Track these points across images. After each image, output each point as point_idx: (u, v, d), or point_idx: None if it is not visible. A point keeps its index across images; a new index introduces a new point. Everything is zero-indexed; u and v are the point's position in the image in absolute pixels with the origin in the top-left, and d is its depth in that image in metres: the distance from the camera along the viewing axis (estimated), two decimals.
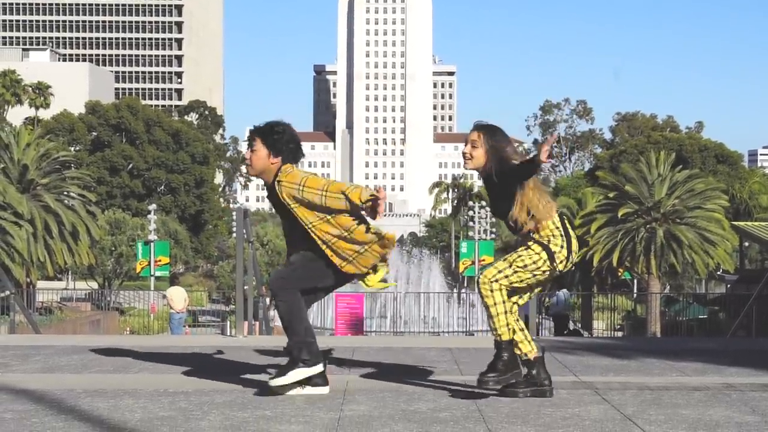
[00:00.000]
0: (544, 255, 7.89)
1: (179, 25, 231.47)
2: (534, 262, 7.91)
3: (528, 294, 8.19)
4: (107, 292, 72.89)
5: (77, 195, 58.20)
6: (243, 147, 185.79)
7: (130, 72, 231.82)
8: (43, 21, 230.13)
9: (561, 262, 7.92)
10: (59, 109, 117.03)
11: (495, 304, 7.90)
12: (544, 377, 8.08)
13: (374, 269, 8.37)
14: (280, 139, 8.21)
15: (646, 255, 55.38)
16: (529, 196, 7.83)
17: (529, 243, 7.96)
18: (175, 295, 34.84)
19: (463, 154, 8.10)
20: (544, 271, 7.94)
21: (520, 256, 7.93)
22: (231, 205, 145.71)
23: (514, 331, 7.99)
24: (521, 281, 7.95)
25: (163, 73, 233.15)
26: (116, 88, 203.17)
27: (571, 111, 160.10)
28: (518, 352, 8.06)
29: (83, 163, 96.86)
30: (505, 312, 7.94)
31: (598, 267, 56.57)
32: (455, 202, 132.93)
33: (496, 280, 7.91)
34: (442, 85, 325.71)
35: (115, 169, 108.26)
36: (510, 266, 7.93)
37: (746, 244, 65.88)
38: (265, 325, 24.70)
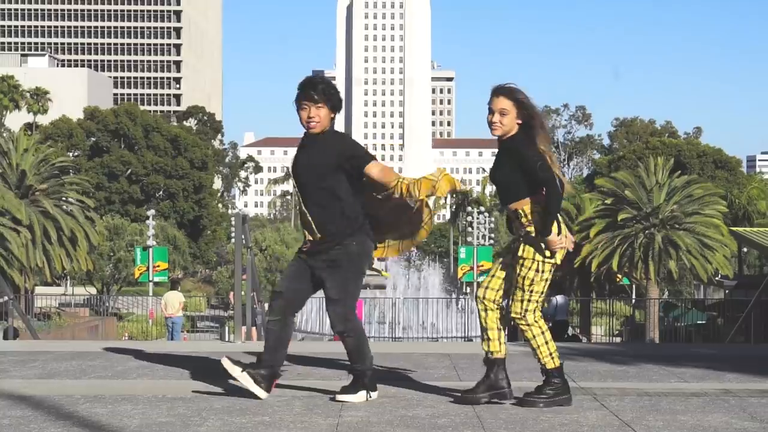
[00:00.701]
0: (539, 257, 7.89)
1: (178, 30, 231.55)
2: (537, 270, 7.89)
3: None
4: (106, 297, 72.83)
5: (76, 201, 58.14)
6: (241, 153, 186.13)
7: (129, 77, 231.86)
8: (42, 26, 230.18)
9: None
10: (58, 115, 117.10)
11: (534, 336, 7.96)
12: (501, 378, 8.08)
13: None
14: (338, 97, 8.23)
15: (644, 260, 55.34)
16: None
17: (521, 254, 7.91)
18: (168, 300, 34.82)
19: (492, 122, 7.86)
20: (550, 270, 7.96)
21: (524, 277, 7.89)
22: (229, 211, 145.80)
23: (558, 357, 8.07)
24: (541, 292, 7.97)
25: (162, 78, 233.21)
26: (115, 94, 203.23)
27: (570, 117, 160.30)
28: (486, 348, 8.09)
29: (82, 168, 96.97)
30: (546, 342, 7.98)
31: (596, 272, 56.52)
32: (454, 207, 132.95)
33: (527, 311, 7.94)
34: (441, 91, 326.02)
35: (113, 174, 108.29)
36: (524, 290, 7.91)
37: (745, 249, 65.88)
38: (263, 331, 24.66)
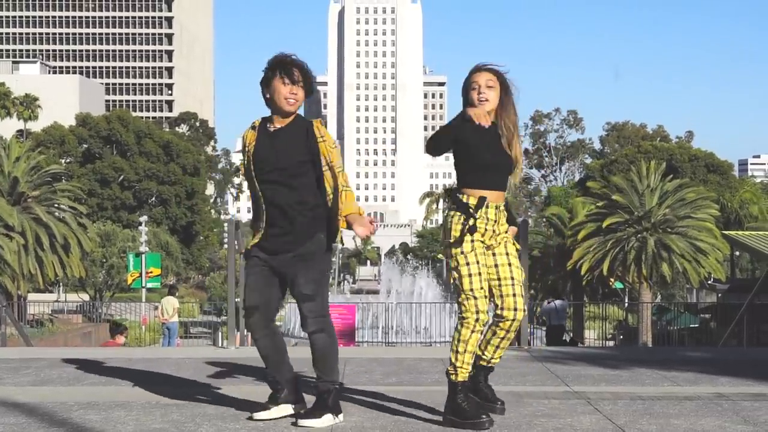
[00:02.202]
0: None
1: (169, 37, 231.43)
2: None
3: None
4: (98, 304, 72.75)
5: (68, 207, 58.08)
6: (234, 158, 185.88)
7: (121, 84, 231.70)
8: (33, 34, 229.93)
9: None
10: (50, 122, 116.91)
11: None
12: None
13: None
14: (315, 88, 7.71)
15: (637, 264, 55.39)
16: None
17: (512, 246, 7.58)
18: (163, 305, 34.83)
19: (480, 95, 7.45)
20: None
21: (521, 269, 7.57)
22: (222, 217, 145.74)
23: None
24: None
25: (154, 84, 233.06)
26: (107, 100, 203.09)
27: (562, 121, 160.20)
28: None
29: (74, 175, 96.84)
30: None
31: (588, 276, 56.55)
32: (445, 211, 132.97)
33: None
34: (433, 96, 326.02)
35: (105, 181, 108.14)
36: (522, 284, 7.55)
37: (737, 253, 65.98)
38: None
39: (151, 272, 70.40)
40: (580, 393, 9.02)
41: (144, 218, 79.88)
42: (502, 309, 7.38)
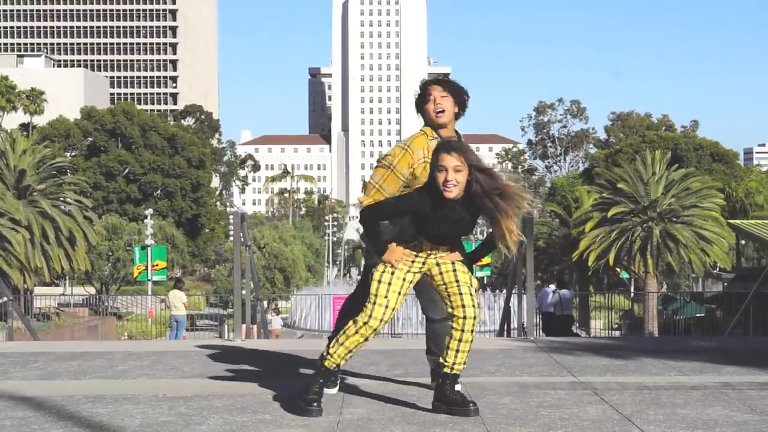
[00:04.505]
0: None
1: (174, 29, 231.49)
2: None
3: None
4: (105, 297, 72.83)
5: (74, 200, 58.17)
6: (239, 151, 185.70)
7: (125, 77, 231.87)
8: (38, 27, 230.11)
9: None
10: (55, 115, 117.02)
11: (472, 339, 7.50)
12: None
13: None
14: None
15: (642, 254, 55.38)
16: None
17: (456, 262, 7.49)
18: (171, 299, 34.91)
19: (447, 181, 7.06)
20: None
21: (467, 273, 7.50)
22: (228, 209, 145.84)
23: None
24: None
25: (158, 77, 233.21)
26: (111, 94, 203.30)
27: (565, 111, 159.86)
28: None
29: (79, 168, 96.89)
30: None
31: (594, 266, 56.54)
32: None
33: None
34: None
35: (111, 174, 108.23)
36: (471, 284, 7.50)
37: (743, 242, 65.90)
38: (263, 329, 24.69)
39: (156, 265, 70.63)
40: (586, 383, 9.02)
41: (149, 211, 79.99)
42: (453, 309, 7.37)
